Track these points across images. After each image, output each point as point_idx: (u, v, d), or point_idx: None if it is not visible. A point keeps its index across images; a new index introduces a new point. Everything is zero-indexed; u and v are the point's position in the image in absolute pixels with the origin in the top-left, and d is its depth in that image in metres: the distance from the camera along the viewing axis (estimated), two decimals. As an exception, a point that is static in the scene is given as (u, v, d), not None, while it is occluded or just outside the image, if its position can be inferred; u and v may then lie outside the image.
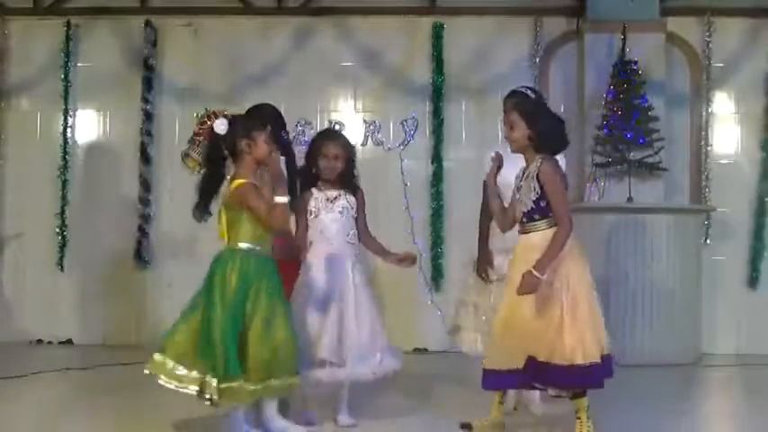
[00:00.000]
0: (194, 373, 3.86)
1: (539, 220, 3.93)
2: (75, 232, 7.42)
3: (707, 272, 7.04)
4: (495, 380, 3.97)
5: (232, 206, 3.96)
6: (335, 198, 4.38)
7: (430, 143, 7.32)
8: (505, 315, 3.97)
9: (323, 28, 7.44)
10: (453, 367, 5.71)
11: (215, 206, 4.08)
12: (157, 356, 3.91)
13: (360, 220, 4.44)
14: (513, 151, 4.06)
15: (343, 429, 4.28)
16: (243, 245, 3.95)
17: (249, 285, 3.91)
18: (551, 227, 3.90)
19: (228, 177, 4.03)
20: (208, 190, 4.07)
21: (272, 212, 3.89)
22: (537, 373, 3.86)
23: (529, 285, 3.81)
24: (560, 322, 3.79)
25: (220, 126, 3.99)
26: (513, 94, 4.03)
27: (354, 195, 4.44)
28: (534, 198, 3.91)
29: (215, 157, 4.06)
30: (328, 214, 4.34)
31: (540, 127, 3.93)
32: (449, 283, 7.14)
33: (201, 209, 4.08)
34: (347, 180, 4.45)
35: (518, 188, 4.03)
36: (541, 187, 3.89)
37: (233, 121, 4.04)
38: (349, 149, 4.51)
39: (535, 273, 3.79)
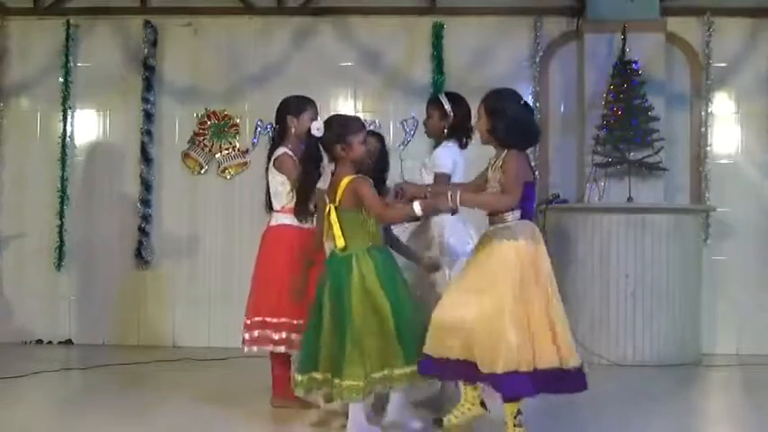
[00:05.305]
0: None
1: (505, 211, 3.93)
2: (75, 232, 7.41)
3: (707, 272, 7.04)
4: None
5: (348, 206, 3.95)
6: None
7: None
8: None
9: (323, 28, 7.43)
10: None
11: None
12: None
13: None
14: (482, 142, 4.14)
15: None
16: (367, 245, 3.97)
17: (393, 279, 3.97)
18: (515, 219, 3.91)
19: (330, 180, 4.04)
20: (306, 190, 4.13)
21: (387, 206, 3.97)
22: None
23: (438, 203, 3.91)
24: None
25: (317, 128, 4.00)
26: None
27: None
28: (499, 189, 3.93)
29: (311, 159, 4.08)
30: None
31: (498, 123, 3.97)
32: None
33: (304, 208, 4.17)
34: (374, 178, 4.33)
35: (485, 179, 4.06)
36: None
37: (328, 123, 4.05)
38: (383, 151, 4.55)
39: (451, 197, 3.85)
